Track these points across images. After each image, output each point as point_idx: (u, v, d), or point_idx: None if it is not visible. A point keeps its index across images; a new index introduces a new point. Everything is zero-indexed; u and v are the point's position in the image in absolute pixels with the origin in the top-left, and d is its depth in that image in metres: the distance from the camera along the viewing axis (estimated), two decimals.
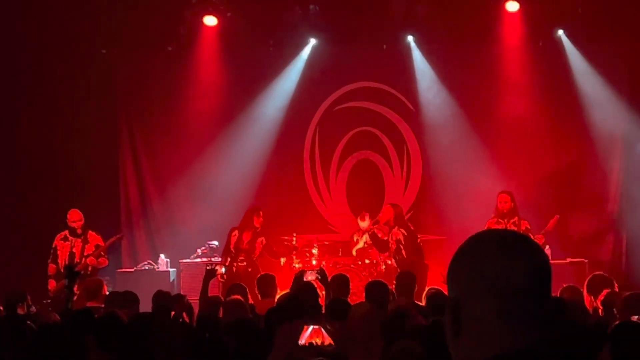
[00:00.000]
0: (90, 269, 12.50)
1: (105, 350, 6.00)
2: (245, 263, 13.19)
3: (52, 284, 12.55)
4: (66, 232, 12.79)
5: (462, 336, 2.05)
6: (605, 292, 8.29)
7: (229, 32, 15.41)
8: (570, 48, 15.13)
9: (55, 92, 14.88)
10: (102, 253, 12.72)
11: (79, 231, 12.70)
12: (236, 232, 13.41)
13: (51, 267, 12.68)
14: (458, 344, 2.07)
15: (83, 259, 12.52)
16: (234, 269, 13.15)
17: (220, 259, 13.52)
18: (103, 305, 8.91)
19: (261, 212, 13.61)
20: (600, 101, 14.92)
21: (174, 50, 15.70)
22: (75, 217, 12.76)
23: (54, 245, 12.76)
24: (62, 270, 12.40)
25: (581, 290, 8.72)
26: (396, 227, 13.27)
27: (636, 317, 6.60)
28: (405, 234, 13.20)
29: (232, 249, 13.30)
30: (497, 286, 2.01)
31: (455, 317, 2.05)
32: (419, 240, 13.37)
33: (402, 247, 13.15)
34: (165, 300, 8.84)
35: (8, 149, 14.74)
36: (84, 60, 15.00)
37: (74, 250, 12.66)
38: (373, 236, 13.51)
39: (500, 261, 2.02)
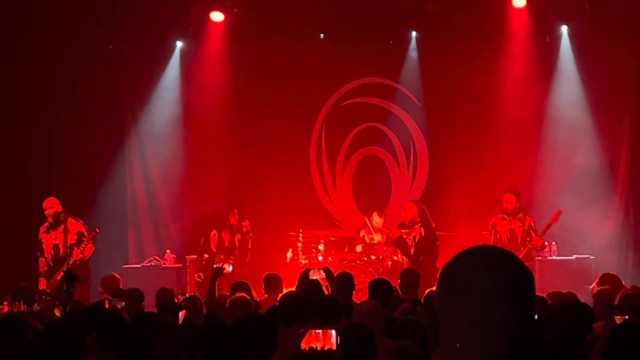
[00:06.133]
0: (78, 261, 12.29)
1: (107, 349, 6.00)
2: (223, 262, 13.15)
3: (42, 284, 12.33)
4: (47, 223, 12.53)
5: (442, 347, 2.13)
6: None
7: (236, 28, 15.40)
8: (566, 47, 15.13)
9: (62, 88, 14.87)
10: (86, 242, 12.37)
11: (50, 219, 12.40)
12: (215, 231, 13.45)
13: (42, 262, 12.52)
14: (437, 355, 2.15)
15: (68, 250, 12.32)
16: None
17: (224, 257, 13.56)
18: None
19: (236, 210, 13.58)
20: (579, 106, 14.99)
21: (181, 46, 15.71)
22: (46, 205, 12.45)
23: (39, 239, 12.56)
24: (51, 264, 12.37)
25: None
26: (418, 225, 13.16)
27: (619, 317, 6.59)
28: (423, 234, 13.09)
29: (214, 249, 13.33)
30: (472, 298, 2.07)
31: (436, 329, 2.13)
32: (437, 242, 13.27)
33: (414, 244, 13.03)
34: (168, 297, 8.85)
35: (14, 144, 14.74)
36: (91, 55, 15.00)
37: (57, 242, 12.45)
38: (400, 240, 13.35)
39: (476, 275, 2.09)
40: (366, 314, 7.00)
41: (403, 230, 13.28)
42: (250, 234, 13.85)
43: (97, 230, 12.46)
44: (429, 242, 13.06)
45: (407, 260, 13.22)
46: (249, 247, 13.85)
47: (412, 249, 13.04)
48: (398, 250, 13.55)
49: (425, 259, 12.82)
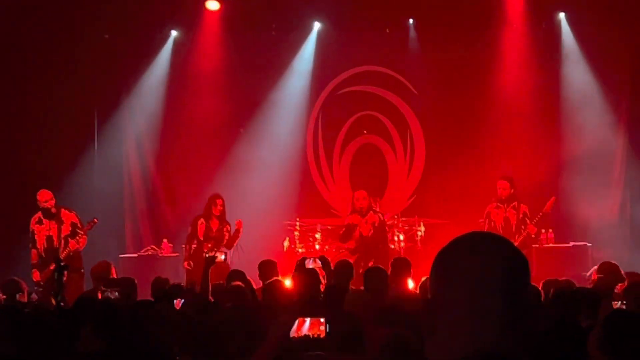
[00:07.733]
0: (72, 252, 12.25)
1: (101, 339, 5.99)
2: (215, 251, 13.09)
3: (36, 275, 12.24)
4: (39, 214, 12.44)
5: (436, 336, 2.09)
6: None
7: (232, 17, 15.40)
8: (568, 34, 15.11)
9: (58, 78, 14.83)
10: (81, 233, 12.35)
11: (53, 210, 12.34)
12: (202, 220, 13.36)
13: (34, 253, 12.43)
14: (431, 344, 2.11)
15: (62, 241, 12.34)
16: (204, 255, 13.17)
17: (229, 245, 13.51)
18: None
19: (219, 201, 13.40)
20: (585, 93, 14.97)
21: (176, 35, 15.70)
22: (46, 197, 12.35)
23: (31, 230, 12.47)
24: (43, 256, 12.29)
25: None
26: (372, 212, 13.28)
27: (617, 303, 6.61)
28: (381, 218, 13.27)
29: (202, 237, 13.25)
30: (467, 286, 2.04)
31: (429, 318, 2.09)
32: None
33: (373, 230, 13.16)
34: (163, 286, 8.85)
35: (8, 134, 14.73)
36: (87, 45, 14.96)
37: (50, 233, 12.38)
38: (351, 229, 13.39)
39: (471, 262, 2.06)
40: (353, 303, 7.03)
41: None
42: (240, 233, 13.53)
43: (95, 220, 12.44)
44: (384, 229, 13.32)
45: (403, 248, 13.24)
46: (235, 244, 13.57)
47: (372, 233, 13.10)
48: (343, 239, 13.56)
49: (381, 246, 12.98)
